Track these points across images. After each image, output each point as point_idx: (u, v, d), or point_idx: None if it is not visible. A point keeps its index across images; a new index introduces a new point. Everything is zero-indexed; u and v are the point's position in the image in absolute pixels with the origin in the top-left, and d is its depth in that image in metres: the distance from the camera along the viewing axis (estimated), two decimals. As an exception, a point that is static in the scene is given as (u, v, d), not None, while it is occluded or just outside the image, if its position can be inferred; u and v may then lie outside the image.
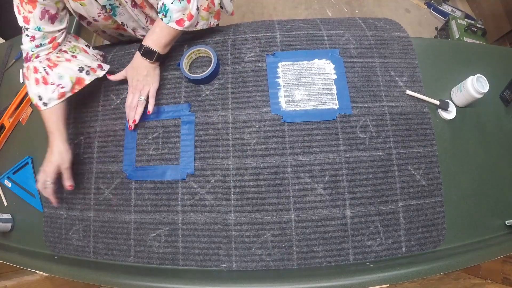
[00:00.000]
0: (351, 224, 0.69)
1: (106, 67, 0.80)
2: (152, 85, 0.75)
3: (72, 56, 0.74)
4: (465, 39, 1.75)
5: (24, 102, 0.92)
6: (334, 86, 0.77)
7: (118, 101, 0.82)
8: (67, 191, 0.79)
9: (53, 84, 0.70)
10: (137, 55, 0.72)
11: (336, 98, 0.76)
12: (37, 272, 0.71)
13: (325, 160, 0.71)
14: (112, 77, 0.78)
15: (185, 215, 0.72)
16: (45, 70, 0.70)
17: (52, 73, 0.70)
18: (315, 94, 0.76)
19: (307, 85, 0.77)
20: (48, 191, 0.71)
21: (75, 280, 0.66)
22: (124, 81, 0.84)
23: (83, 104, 0.84)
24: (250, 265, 0.68)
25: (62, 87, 0.71)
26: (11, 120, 0.91)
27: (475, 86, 0.71)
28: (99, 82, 0.85)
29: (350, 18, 0.89)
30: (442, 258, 0.62)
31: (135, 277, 0.64)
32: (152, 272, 0.68)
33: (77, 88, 0.74)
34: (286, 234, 0.69)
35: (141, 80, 0.74)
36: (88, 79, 0.76)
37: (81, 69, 0.74)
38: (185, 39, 0.87)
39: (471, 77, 0.73)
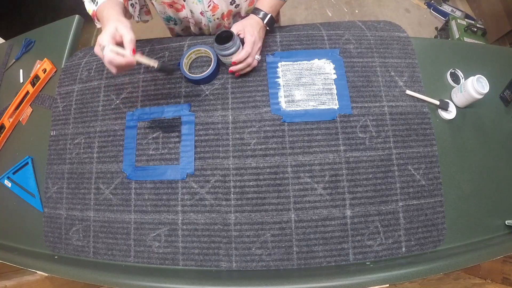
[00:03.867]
0: (351, 224, 0.69)
1: (144, 15, 0.80)
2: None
3: None
4: (465, 39, 1.75)
5: (24, 102, 0.92)
6: (334, 86, 0.77)
7: (118, 101, 0.82)
8: (67, 191, 0.79)
9: None
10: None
11: (336, 98, 0.76)
12: (37, 272, 0.71)
13: (325, 160, 0.71)
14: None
15: (185, 215, 0.72)
16: None
17: None
18: (315, 94, 0.76)
19: (307, 85, 0.77)
20: (109, 56, 0.56)
21: (75, 280, 0.66)
22: (123, 82, 0.84)
23: (83, 104, 0.84)
24: (250, 265, 0.68)
25: None
26: (11, 120, 0.91)
27: (475, 86, 0.71)
28: (99, 82, 0.85)
29: (350, 21, 0.89)
30: (442, 258, 0.62)
31: (135, 277, 0.64)
32: (152, 272, 0.68)
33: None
34: (286, 234, 0.69)
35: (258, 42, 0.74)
36: (132, 12, 0.75)
37: (132, 5, 0.73)
38: (185, 39, 0.87)
39: (471, 78, 0.73)
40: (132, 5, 0.77)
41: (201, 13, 0.80)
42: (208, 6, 0.77)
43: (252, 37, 0.72)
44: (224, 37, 0.71)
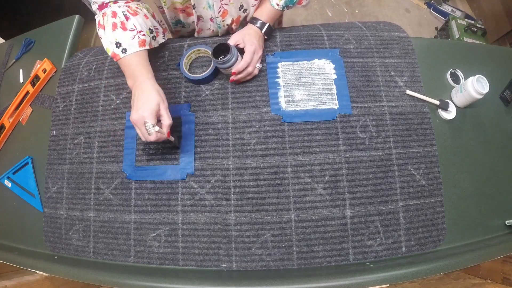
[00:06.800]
0: (351, 224, 0.69)
1: (162, 37, 0.80)
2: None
3: (145, 15, 0.72)
4: (465, 39, 1.75)
5: (24, 102, 0.92)
6: (334, 86, 0.77)
7: (118, 101, 0.82)
8: (67, 191, 0.79)
9: (132, 30, 0.65)
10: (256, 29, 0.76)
11: (336, 98, 0.76)
12: (37, 272, 0.71)
13: (325, 160, 0.71)
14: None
15: (185, 215, 0.72)
16: (124, 15, 0.65)
17: (132, 20, 0.66)
18: (315, 94, 0.76)
19: (307, 85, 0.77)
20: (155, 135, 0.62)
21: (75, 280, 0.66)
22: (123, 82, 0.84)
23: (83, 104, 0.84)
24: (250, 265, 0.68)
25: (143, 35, 0.66)
26: (11, 120, 0.91)
27: (475, 86, 0.71)
28: (99, 82, 0.85)
29: (350, 22, 0.89)
30: (442, 258, 0.62)
31: (135, 277, 0.64)
32: (152, 272, 0.68)
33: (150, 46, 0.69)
34: (286, 234, 0.69)
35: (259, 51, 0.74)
36: (154, 44, 0.75)
37: (151, 31, 0.72)
38: (185, 39, 0.87)
39: (471, 78, 0.73)
40: (153, 38, 0.75)
41: (211, 19, 0.80)
42: (219, 12, 0.76)
43: (252, 46, 0.72)
44: (221, 50, 0.71)
